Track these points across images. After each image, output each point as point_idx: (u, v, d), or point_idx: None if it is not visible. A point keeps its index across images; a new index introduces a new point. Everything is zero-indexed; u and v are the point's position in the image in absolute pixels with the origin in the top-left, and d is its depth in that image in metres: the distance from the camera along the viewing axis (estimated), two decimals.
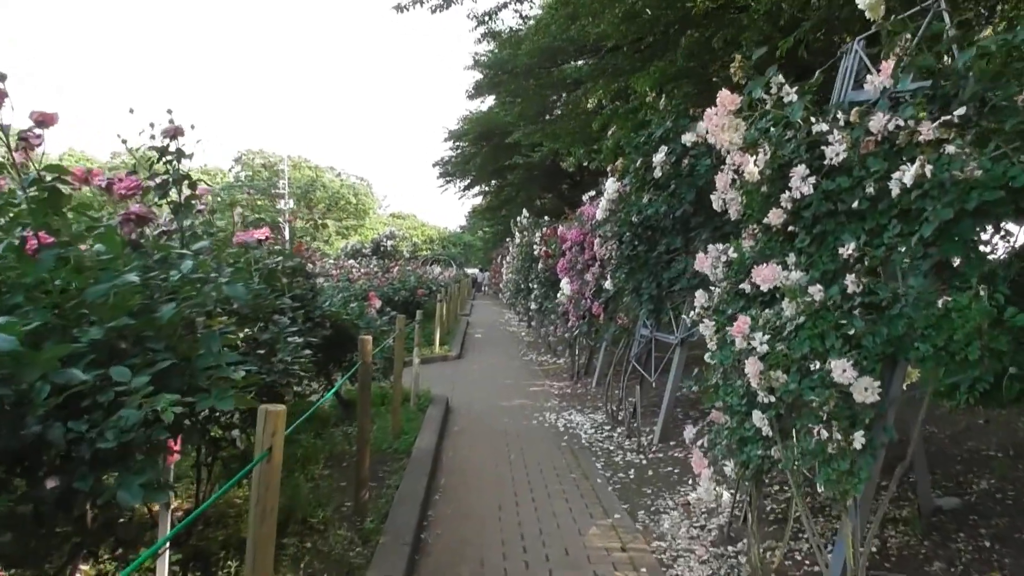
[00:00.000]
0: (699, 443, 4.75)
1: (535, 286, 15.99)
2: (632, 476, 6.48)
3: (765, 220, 4.28)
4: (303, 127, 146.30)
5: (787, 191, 4.08)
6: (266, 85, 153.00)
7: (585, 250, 11.07)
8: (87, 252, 3.02)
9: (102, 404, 2.41)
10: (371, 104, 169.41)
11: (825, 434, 3.47)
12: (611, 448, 7.49)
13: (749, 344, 3.86)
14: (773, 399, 3.77)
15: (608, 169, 8.40)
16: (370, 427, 5.01)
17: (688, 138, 7.15)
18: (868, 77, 3.79)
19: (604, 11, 12.45)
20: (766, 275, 3.92)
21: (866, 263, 3.61)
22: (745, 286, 4.46)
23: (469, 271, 53.22)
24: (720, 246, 4.84)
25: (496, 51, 23.68)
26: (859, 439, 3.35)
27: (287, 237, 50.60)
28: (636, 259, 7.76)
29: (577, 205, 15.16)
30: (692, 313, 5.13)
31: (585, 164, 33.38)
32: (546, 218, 20.32)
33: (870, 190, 3.54)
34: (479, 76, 23.62)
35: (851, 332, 3.45)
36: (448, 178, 36.30)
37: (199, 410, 2.87)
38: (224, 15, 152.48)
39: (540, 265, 14.88)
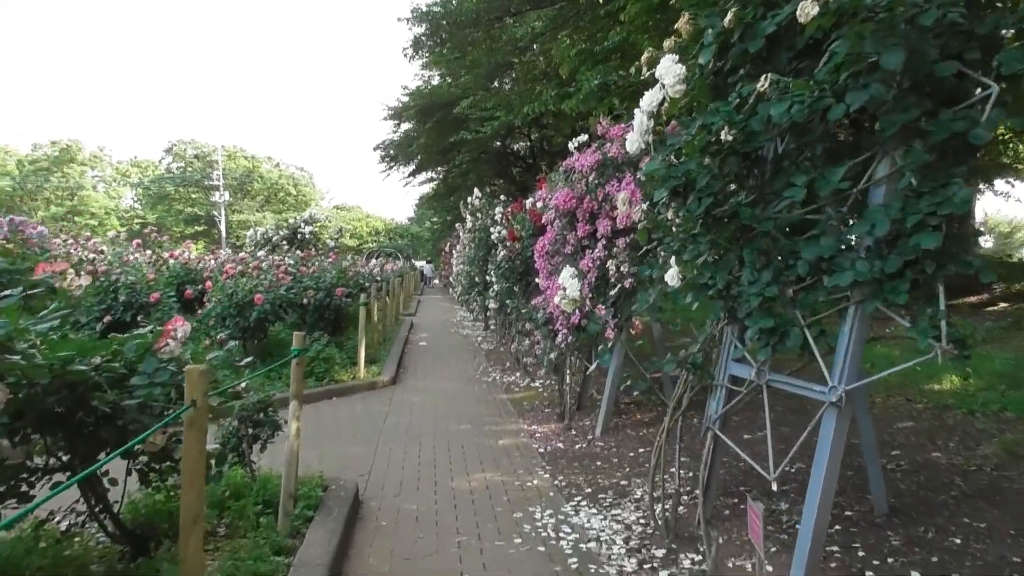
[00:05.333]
0: None
1: (494, 279, 11.78)
2: None
3: None
4: (239, 115, 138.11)
5: None
6: (198, 71, 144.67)
7: (579, 222, 6.88)
8: None
9: None
10: (312, 93, 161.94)
11: None
12: None
13: None
14: None
15: (643, 59, 4.21)
16: None
17: None
18: None
19: None
20: None
21: None
22: None
23: (418, 264, 48.86)
24: None
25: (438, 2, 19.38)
26: None
27: (223, 231, 45.30)
28: (726, 224, 3.61)
29: (531, 191, 11.01)
30: None
31: (541, 146, 29.53)
32: (502, 198, 16.04)
33: None
34: (419, 31, 19.25)
35: None
36: (390, 162, 31.81)
37: None
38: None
39: (501, 253, 10.66)
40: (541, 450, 6.49)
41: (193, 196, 56.16)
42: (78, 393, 3.08)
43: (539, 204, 8.93)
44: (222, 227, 52.48)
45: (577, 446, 6.57)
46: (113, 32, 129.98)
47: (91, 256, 10.51)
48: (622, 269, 6.10)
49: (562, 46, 14.39)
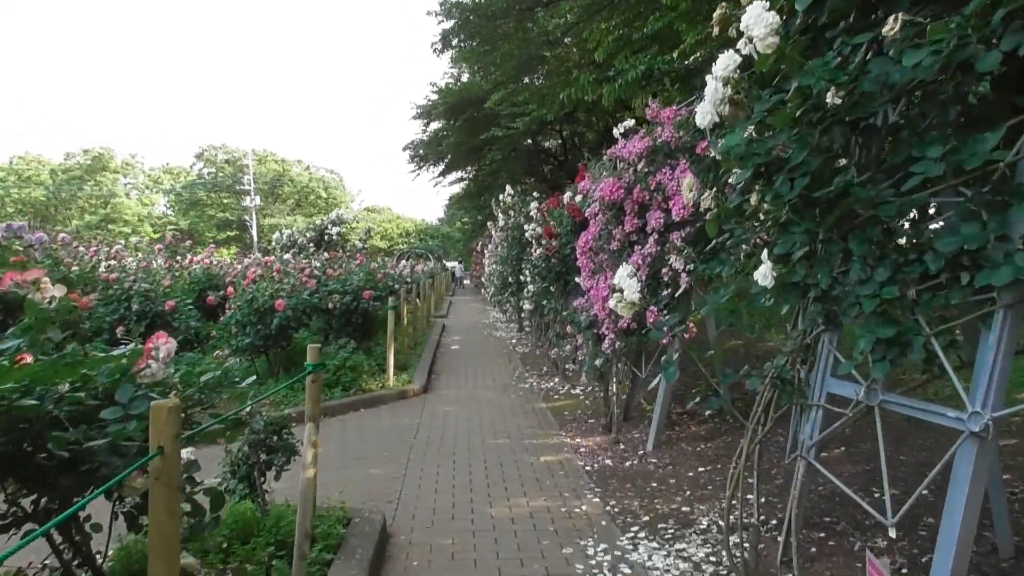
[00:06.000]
0: None
1: (528, 279, 11.14)
2: None
3: None
4: (268, 119, 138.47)
5: None
6: (228, 75, 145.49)
7: (626, 215, 6.21)
8: None
9: None
10: (342, 94, 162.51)
11: None
12: None
13: None
14: None
15: (715, 16, 3.52)
16: None
17: None
18: None
19: None
20: None
21: None
22: None
23: (449, 264, 48.43)
24: None
25: None
26: None
27: (255, 236, 45.19)
28: (828, 210, 2.94)
29: (563, 189, 10.31)
30: None
31: (574, 142, 28.86)
32: (536, 194, 15.43)
33: None
34: (448, 26, 18.67)
35: None
36: (420, 162, 31.27)
37: None
38: (183, 5, 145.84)
39: (537, 251, 10.00)
40: (588, 468, 5.83)
41: (225, 201, 56.35)
42: (34, 431, 2.50)
43: (578, 198, 8.28)
44: (253, 231, 52.54)
45: (628, 463, 5.90)
46: (143, 38, 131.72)
47: (110, 263, 10.07)
48: (676, 266, 5.42)
49: (598, 29, 13.73)
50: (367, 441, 6.86)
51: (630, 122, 6.69)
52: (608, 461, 6.00)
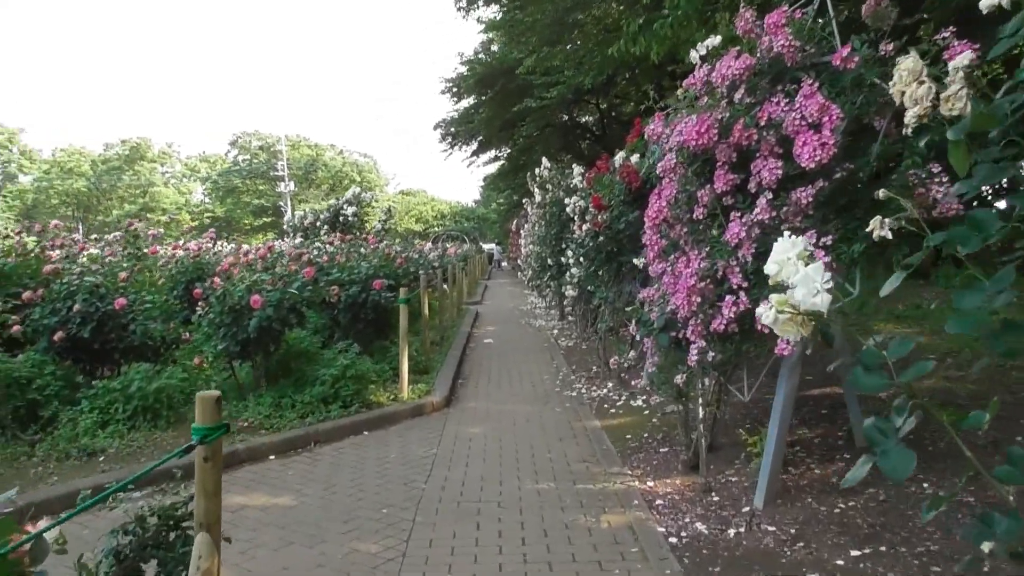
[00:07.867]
0: None
1: (571, 261, 9.20)
2: None
3: None
4: (300, 104, 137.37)
5: None
6: (260, 63, 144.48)
7: (718, 169, 4.24)
8: None
9: None
10: (374, 77, 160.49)
11: None
12: None
13: None
14: None
15: None
16: None
17: None
18: None
19: None
20: None
21: None
22: None
23: (486, 247, 46.76)
24: None
25: None
26: None
27: (288, 219, 43.38)
28: None
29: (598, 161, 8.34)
30: None
31: (611, 115, 26.71)
32: (575, 167, 13.34)
33: None
34: None
35: None
36: (452, 140, 29.47)
37: None
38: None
39: (583, 227, 8.03)
40: (673, 539, 3.90)
41: (260, 187, 55.37)
42: None
43: (634, 158, 6.31)
44: (288, 217, 51.50)
45: (730, 532, 3.95)
46: (176, 26, 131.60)
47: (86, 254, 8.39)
48: (880, 233, 3.45)
49: None
50: (362, 487, 4.99)
51: (715, 39, 4.69)
52: (700, 525, 4.06)
